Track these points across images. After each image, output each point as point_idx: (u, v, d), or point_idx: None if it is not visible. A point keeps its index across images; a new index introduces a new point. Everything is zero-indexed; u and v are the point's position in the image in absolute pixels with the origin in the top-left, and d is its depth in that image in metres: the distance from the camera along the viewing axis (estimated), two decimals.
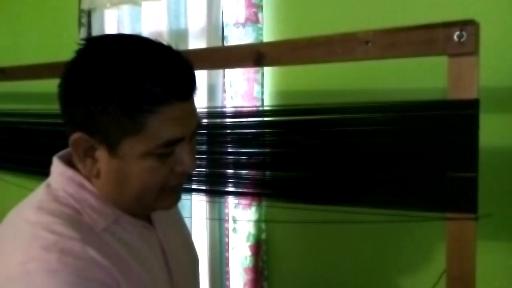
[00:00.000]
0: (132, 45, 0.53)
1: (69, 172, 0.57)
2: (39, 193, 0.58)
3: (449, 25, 0.64)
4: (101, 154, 0.54)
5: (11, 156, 1.60)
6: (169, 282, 0.63)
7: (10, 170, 1.67)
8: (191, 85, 0.54)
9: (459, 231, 0.67)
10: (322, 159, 0.86)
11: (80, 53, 0.54)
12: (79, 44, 0.55)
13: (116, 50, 0.52)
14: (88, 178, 0.57)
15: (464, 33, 0.63)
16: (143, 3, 1.35)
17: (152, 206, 0.59)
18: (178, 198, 0.61)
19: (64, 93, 0.54)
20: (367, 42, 0.71)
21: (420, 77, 0.92)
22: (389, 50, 0.69)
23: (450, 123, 0.68)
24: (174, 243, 0.67)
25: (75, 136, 0.53)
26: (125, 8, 1.44)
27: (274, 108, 0.95)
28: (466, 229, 0.67)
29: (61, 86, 0.55)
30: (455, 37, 0.63)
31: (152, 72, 0.50)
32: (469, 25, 0.63)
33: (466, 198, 0.67)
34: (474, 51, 0.63)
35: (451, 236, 0.68)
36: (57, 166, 0.59)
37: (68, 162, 0.59)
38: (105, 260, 0.52)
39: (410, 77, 0.94)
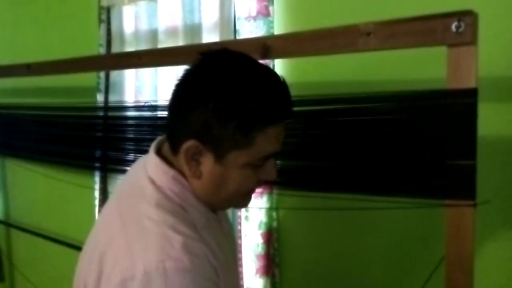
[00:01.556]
0: (249, 67, 0.60)
1: (172, 172, 0.62)
2: (146, 188, 0.62)
3: (447, 16, 0.65)
4: (207, 159, 0.59)
5: (38, 147, 1.69)
6: (234, 267, 0.74)
7: (38, 160, 1.76)
8: (291, 107, 0.61)
9: (458, 217, 0.69)
10: (327, 148, 0.88)
11: (200, 66, 0.60)
12: (197, 57, 0.61)
13: (237, 70, 0.58)
14: (186, 177, 0.62)
15: (462, 23, 0.64)
16: None
17: (234, 205, 0.69)
18: (250, 199, 0.68)
19: (183, 102, 0.60)
20: (368, 34, 0.73)
21: (421, 68, 0.92)
22: (390, 41, 0.71)
23: (449, 112, 0.69)
24: (229, 232, 0.75)
25: (190, 143, 0.58)
26: (142, 4, 1.49)
27: None
28: (464, 215, 0.68)
29: (178, 94, 0.61)
30: (453, 27, 0.64)
31: (266, 95, 0.57)
32: (467, 16, 0.64)
33: (465, 185, 0.68)
34: (472, 41, 0.64)
35: (450, 223, 0.69)
36: (159, 164, 0.63)
37: (158, 153, 0.64)
38: (213, 258, 0.59)
39: (412, 68, 0.95)
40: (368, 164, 0.82)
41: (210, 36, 1.33)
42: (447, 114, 0.70)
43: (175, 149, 0.61)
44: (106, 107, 1.52)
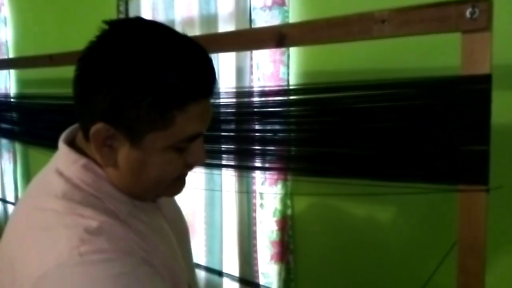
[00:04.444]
0: (160, 36, 0.51)
1: (82, 160, 0.54)
2: (52, 182, 0.54)
3: (462, 2, 0.65)
4: (121, 144, 0.52)
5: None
6: (180, 253, 0.65)
7: None
8: (215, 82, 0.54)
9: (471, 202, 0.69)
10: (342, 135, 0.89)
11: (104, 38, 0.51)
12: (101, 27, 0.52)
13: (145, 40, 0.50)
14: (101, 166, 0.54)
15: (476, 9, 0.64)
16: None
17: (162, 194, 0.60)
18: (184, 185, 0.61)
19: (86, 81, 0.51)
20: (382, 21, 0.73)
21: (436, 54, 0.92)
22: (404, 28, 0.71)
23: (463, 98, 0.70)
24: (174, 217, 0.68)
25: (98, 126, 0.50)
26: None
27: (297, 86, 0.99)
28: (477, 200, 0.69)
29: (81, 72, 0.52)
30: (467, 13, 0.65)
31: (183, 69, 0.49)
32: (481, 2, 0.64)
33: (478, 170, 0.69)
34: (487, 27, 0.64)
35: (463, 208, 0.70)
36: (67, 153, 0.55)
37: (71, 145, 0.57)
38: (141, 240, 0.53)
39: (427, 54, 0.95)
40: (383, 150, 0.83)
41: (226, 26, 1.35)
42: (461, 100, 0.70)
43: (86, 136, 0.53)
44: None
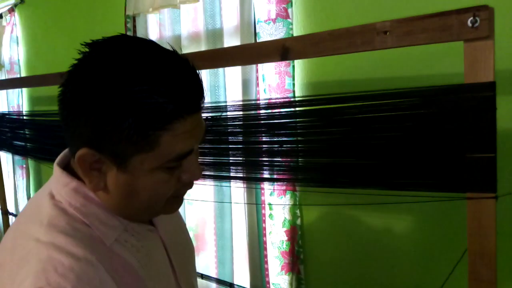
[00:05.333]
0: (140, 54, 0.48)
1: (73, 183, 0.53)
2: (44, 205, 0.53)
3: (463, 12, 0.66)
4: (108, 168, 0.51)
5: None
6: (175, 279, 0.63)
7: None
8: (201, 96, 0.51)
9: (479, 210, 0.69)
10: (349, 145, 0.90)
11: (83, 61, 0.50)
12: (82, 49, 0.50)
13: (124, 60, 0.47)
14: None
15: (477, 18, 0.64)
16: (181, 5, 1.44)
17: (159, 212, 0.58)
18: (181, 202, 0.59)
19: (68, 106, 0.49)
20: (385, 32, 0.74)
21: (441, 63, 0.93)
22: (406, 38, 0.72)
23: (468, 106, 0.70)
24: (175, 238, 0.66)
25: (83, 151, 0.49)
26: (166, 12, 1.55)
27: (302, 98, 1.00)
28: (486, 208, 0.68)
29: (64, 97, 0.50)
30: (468, 22, 0.65)
31: (164, 87, 0.47)
32: (482, 11, 0.64)
33: (486, 178, 0.69)
34: (488, 35, 0.65)
35: (472, 215, 0.70)
36: (60, 176, 0.55)
37: (67, 167, 0.56)
38: (125, 274, 0.52)
39: (431, 63, 0.95)
40: (390, 160, 0.83)
41: (231, 40, 1.37)
42: (466, 108, 0.71)
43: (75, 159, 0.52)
44: None
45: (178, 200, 0.58)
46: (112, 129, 0.47)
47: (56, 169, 0.56)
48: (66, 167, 0.56)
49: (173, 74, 0.48)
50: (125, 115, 0.46)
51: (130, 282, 0.53)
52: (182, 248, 0.68)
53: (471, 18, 0.65)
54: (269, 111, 1.08)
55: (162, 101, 0.46)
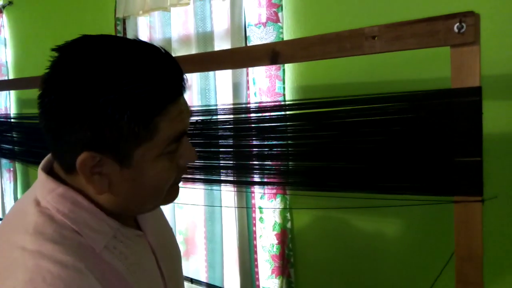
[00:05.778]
0: (116, 48, 0.48)
1: (60, 188, 0.52)
2: (29, 213, 0.51)
3: (449, 17, 0.67)
4: (111, 168, 0.50)
5: None
6: (163, 284, 0.63)
7: None
8: (184, 78, 0.53)
9: (466, 213, 0.70)
10: (339, 149, 0.91)
11: (58, 67, 0.48)
12: (58, 52, 0.49)
13: (100, 57, 0.47)
14: (84, 194, 0.53)
15: (463, 24, 0.66)
16: (172, 8, 1.44)
17: (160, 203, 0.58)
18: (179, 190, 0.60)
19: (56, 116, 0.48)
20: (373, 37, 0.75)
21: (428, 67, 0.94)
22: (394, 43, 0.73)
23: (455, 110, 0.71)
24: (162, 241, 0.66)
25: (83, 156, 0.48)
26: (156, 14, 1.54)
27: (292, 102, 1.01)
28: (472, 211, 0.69)
29: (46, 108, 0.48)
30: (455, 28, 0.66)
31: (149, 74, 0.48)
32: (468, 17, 0.65)
33: (472, 181, 0.70)
34: (474, 41, 0.66)
35: (459, 218, 0.71)
36: (45, 182, 0.53)
37: (50, 173, 0.54)
38: (114, 281, 0.52)
39: (419, 68, 0.97)
40: (379, 163, 0.84)
41: (222, 43, 1.37)
42: (453, 113, 0.72)
43: (67, 169, 0.52)
44: None
45: (176, 188, 0.59)
46: (111, 127, 0.47)
47: (41, 174, 0.54)
48: (50, 172, 0.55)
49: (153, 60, 0.49)
50: (122, 109, 0.46)
51: (131, 282, 0.54)
52: (170, 251, 0.68)
53: (458, 24, 0.66)
54: (260, 114, 1.08)
55: (152, 88, 0.47)
